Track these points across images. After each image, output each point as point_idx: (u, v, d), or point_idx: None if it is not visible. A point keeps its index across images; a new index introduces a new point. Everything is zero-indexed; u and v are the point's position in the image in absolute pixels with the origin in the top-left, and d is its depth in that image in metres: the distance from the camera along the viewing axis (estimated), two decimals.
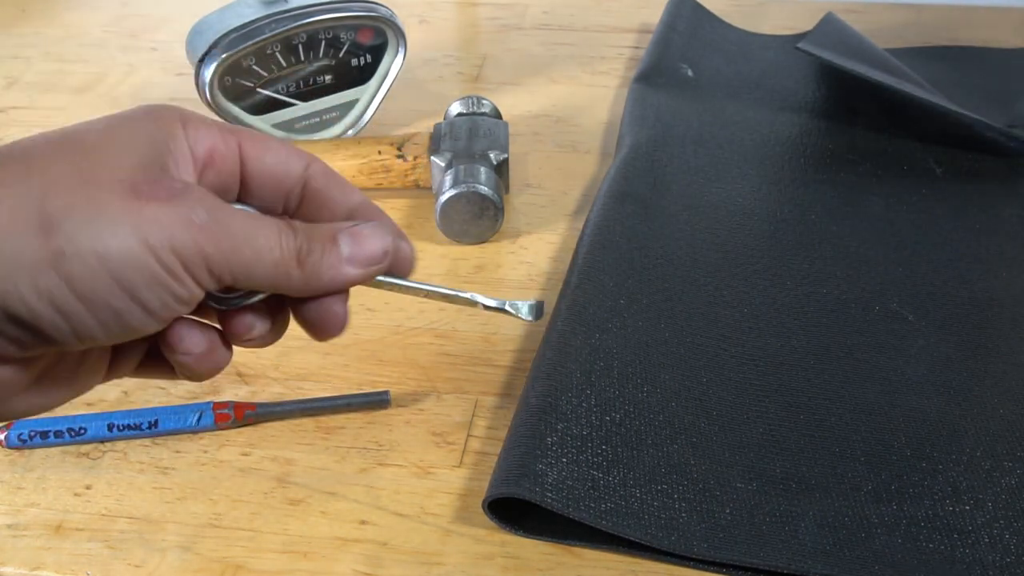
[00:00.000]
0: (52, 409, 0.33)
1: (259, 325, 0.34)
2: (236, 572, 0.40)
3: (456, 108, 0.63)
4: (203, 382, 0.48)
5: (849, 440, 0.44)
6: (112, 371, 0.34)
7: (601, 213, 0.55)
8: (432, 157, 0.58)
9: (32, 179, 0.28)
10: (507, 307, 0.41)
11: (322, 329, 0.35)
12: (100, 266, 0.28)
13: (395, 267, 0.36)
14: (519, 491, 0.39)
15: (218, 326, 0.34)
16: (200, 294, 0.31)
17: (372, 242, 0.34)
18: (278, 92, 0.62)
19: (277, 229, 0.32)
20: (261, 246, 0.31)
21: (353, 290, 0.54)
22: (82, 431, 0.45)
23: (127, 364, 0.35)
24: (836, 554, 0.39)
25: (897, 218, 0.57)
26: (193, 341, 0.32)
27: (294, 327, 0.52)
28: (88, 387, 0.34)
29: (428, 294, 0.38)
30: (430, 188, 0.60)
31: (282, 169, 0.34)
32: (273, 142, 0.34)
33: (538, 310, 0.41)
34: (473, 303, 0.40)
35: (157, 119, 0.31)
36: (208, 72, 0.58)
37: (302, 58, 0.62)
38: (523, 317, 0.41)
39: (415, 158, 0.59)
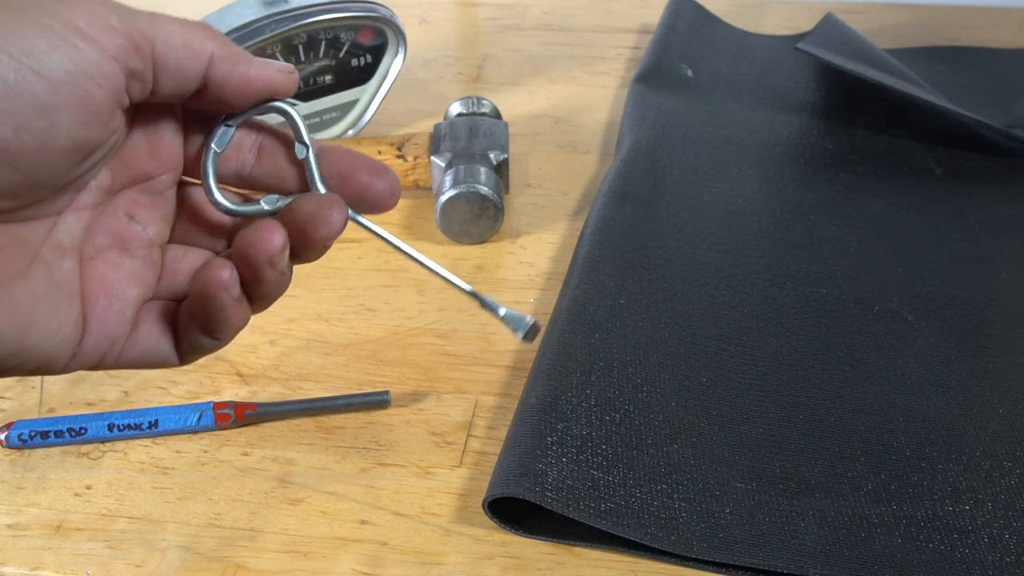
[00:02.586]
0: None
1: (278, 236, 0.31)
2: (236, 572, 0.40)
3: (456, 108, 0.63)
4: (203, 384, 0.48)
5: (849, 440, 0.44)
6: None
7: (601, 213, 0.55)
8: (432, 157, 0.58)
9: None
10: (503, 315, 0.35)
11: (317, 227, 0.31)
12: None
13: (369, 199, 0.33)
14: (519, 491, 0.39)
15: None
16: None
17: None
18: None
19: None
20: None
21: (353, 290, 0.54)
22: (82, 431, 0.45)
23: None
24: (836, 554, 0.39)
25: (897, 218, 0.57)
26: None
27: (294, 327, 0.52)
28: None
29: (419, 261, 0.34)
30: (430, 188, 0.60)
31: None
32: (173, 51, 0.30)
33: (532, 331, 0.35)
34: (471, 295, 0.35)
35: None
36: None
37: (302, 58, 0.62)
38: (516, 335, 0.35)
39: (415, 158, 0.59)
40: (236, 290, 0.31)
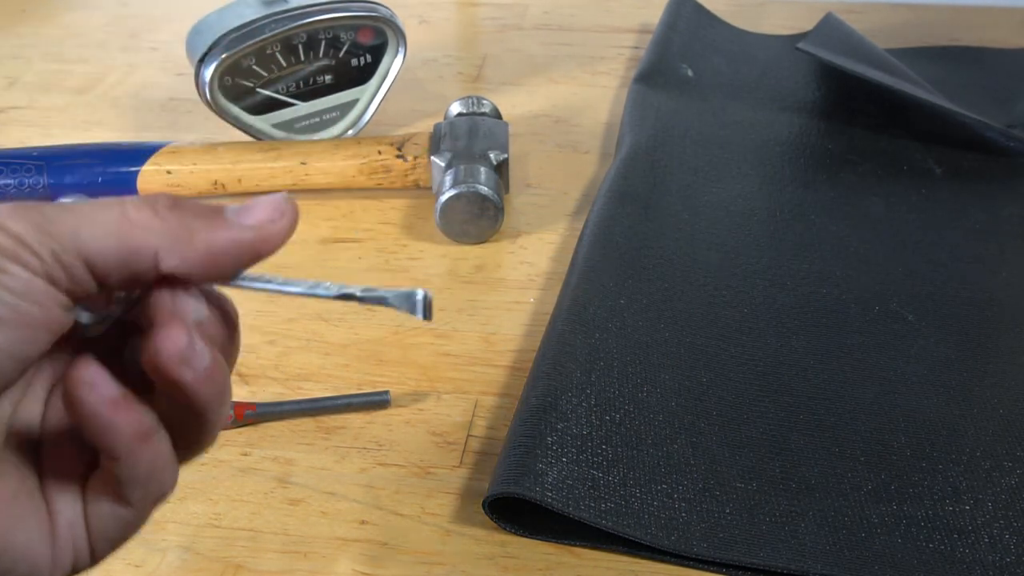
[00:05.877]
0: None
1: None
2: (236, 572, 0.40)
3: (456, 108, 0.63)
4: None
5: (849, 440, 0.44)
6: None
7: (601, 213, 0.55)
8: (432, 157, 0.58)
9: None
10: (390, 299, 0.29)
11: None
12: None
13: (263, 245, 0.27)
14: (519, 490, 0.39)
15: None
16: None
17: (260, 209, 0.27)
18: (278, 92, 0.62)
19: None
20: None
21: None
22: None
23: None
24: (836, 554, 0.39)
25: (897, 218, 0.57)
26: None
27: (294, 327, 0.52)
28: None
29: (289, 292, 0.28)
30: (430, 188, 0.60)
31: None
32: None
33: (425, 307, 0.29)
34: (346, 296, 0.29)
35: None
36: (208, 72, 0.58)
37: (302, 58, 0.62)
38: (415, 315, 0.29)
39: (415, 158, 0.59)
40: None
